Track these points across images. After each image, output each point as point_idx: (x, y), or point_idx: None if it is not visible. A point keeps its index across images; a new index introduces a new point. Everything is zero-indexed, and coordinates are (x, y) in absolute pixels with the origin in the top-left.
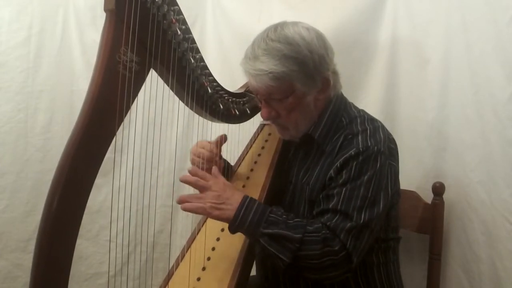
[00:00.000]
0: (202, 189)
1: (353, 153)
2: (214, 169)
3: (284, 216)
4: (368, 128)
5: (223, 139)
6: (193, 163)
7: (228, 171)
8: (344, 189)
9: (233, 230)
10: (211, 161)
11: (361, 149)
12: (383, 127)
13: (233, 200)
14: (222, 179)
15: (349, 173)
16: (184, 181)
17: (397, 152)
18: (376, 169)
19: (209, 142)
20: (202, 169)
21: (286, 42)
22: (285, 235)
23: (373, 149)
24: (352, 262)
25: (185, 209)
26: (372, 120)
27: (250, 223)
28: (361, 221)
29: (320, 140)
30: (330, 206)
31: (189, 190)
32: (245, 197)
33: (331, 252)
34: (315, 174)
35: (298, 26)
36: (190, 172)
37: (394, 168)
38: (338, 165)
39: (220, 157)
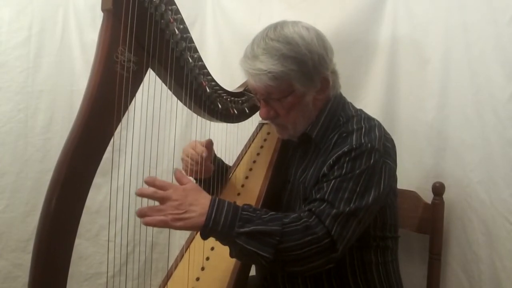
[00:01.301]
0: (161, 200)
1: (346, 149)
2: (178, 172)
3: (258, 212)
4: (364, 126)
5: (209, 143)
6: (183, 161)
7: (223, 173)
8: (333, 181)
9: (205, 235)
10: (199, 163)
11: (354, 146)
12: (379, 126)
13: (197, 205)
14: (184, 184)
15: (341, 169)
16: (140, 194)
17: (395, 152)
18: (369, 165)
19: (201, 144)
20: (191, 170)
21: (285, 41)
22: (263, 231)
23: (367, 146)
24: (336, 250)
25: (146, 224)
26: (369, 119)
27: (224, 225)
28: (347, 209)
29: (318, 139)
30: (318, 196)
31: None
32: (214, 199)
33: (314, 240)
34: (310, 172)
35: (298, 26)
36: (146, 182)
37: (389, 166)
38: (331, 162)
39: (212, 161)
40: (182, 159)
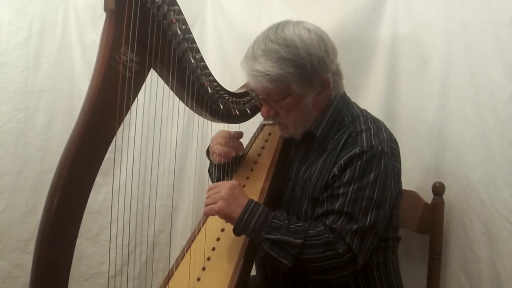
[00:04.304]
0: (215, 192)
1: (357, 151)
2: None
3: (286, 222)
4: (372, 127)
5: (240, 136)
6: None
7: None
8: (349, 189)
9: (237, 233)
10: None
11: (365, 148)
12: (385, 127)
13: (241, 200)
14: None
15: (354, 172)
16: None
17: (399, 153)
18: (380, 169)
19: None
20: (220, 155)
21: (285, 44)
22: (286, 241)
23: (377, 149)
24: (357, 263)
25: (204, 215)
26: (375, 120)
27: (253, 228)
28: (367, 223)
29: (322, 138)
30: (336, 207)
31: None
32: (250, 201)
33: (333, 255)
34: (316, 170)
35: (299, 27)
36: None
37: (397, 168)
38: (342, 163)
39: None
40: (212, 147)
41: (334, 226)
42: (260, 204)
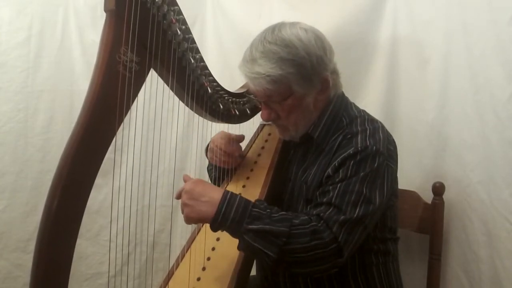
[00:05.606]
0: (180, 194)
1: (351, 152)
2: (185, 176)
3: (268, 210)
4: (368, 128)
5: (241, 139)
6: (212, 151)
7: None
8: (339, 185)
9: (215, 228)
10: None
11: (359, 149)
12: (383, 128)
13: (205, 196)
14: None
15: (346, 172)
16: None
17: (396, 154)
18: (373, 167)
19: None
20: (220, 160)
21: (283, 44)
22: (270, 230)
23: (372, 149)
24: (342, 256)
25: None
26: (373, 120)
27: (233, 219)
28: (355, 215)
29: (319, 139)
30: (324, 200)
31: None
32: (226, 192)
33: (320, 244)
34: (312, 172)
35: (295, 27)
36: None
37: (392, 169)
38: (336, 164)
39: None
40: (212, 149)
41: (321, 214)
42: (236, 194)
